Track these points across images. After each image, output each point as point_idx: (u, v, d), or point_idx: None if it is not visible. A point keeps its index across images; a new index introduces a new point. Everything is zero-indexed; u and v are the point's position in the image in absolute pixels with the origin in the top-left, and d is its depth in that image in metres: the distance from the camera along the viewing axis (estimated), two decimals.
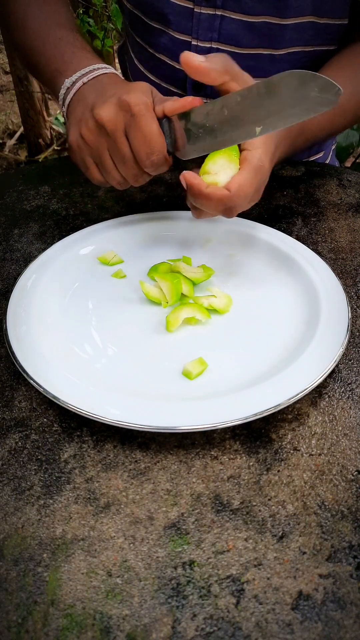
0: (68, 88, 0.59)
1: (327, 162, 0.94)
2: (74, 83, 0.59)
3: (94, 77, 0.58)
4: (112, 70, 0.60)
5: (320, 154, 0.91)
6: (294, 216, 0.69)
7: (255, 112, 0.48)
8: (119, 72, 0.62)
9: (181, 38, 0.72)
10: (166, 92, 0.80)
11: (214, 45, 0.71)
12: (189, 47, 0.73)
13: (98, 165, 0.56)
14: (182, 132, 0.53)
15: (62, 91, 0.60)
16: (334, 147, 0.96)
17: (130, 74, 0.86)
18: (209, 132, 0.51)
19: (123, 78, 0.60)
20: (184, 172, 0.51)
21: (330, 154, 0.95)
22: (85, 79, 0.58)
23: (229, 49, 0.71)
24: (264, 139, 0.53)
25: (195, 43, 0.72)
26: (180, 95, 0.78)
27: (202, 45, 0.72)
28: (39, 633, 0.34)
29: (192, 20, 0.70)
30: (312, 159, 0.90)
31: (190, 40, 0.72)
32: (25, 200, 0.73)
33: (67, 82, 0.59)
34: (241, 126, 0.49)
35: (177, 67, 0.76)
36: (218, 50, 0.71)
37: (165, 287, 0.54)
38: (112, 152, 0.54)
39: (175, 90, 0.79)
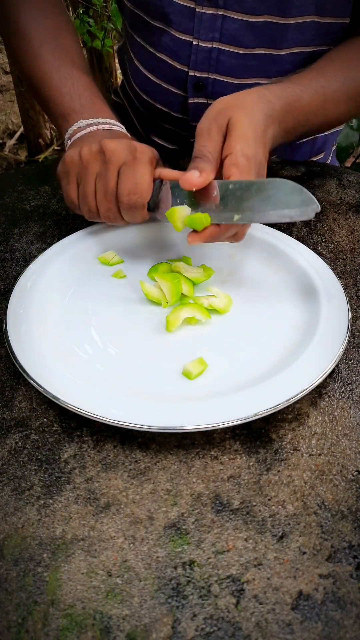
0: (81, 127, 0.61)
1: (328, 162, 0.94)
2: (88, 125, 0.61)
3: (109, 130, 0.61)
4: (125, 130, 0.63)
5: (321, 155, 0.91)
6: None
7: (240, 204, 0.50)
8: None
9: (182, 38, 0.72)
10: (167, 93, 0.80)
11: (215, 45, 0.71)
12: (190, 46, 0.73)
13: (79, 186, 0.57)
14: (169, 196, 0.55)
15: (73, 127, 0.61)
16: (334, 147, 0.96)
17: (131, 74, 0.86)
18: (192, 205, 0.53)
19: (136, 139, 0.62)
20: (191, 235, 0.51)
21: (331, 154, 0.95)
22: (101, 127, 0.61)
23: (230, 49, 0.71)
24: (240, 133, 0.52)
25: (197, 43, 0.72)
26: (182, 96, 0.78)
27: (203, 45, 0.72)
28: (39, 633, 0.34)
29: (193, 20, 0.70)
30: (312, 159, 0.90)
31: (191, 40, 0.72)
32: (25, 200, 0.73)
33: (83, 122, 0.61)
34: (224, 211, 0.51)
35: (178, 67, 0.76)
36: (219, 50, 0.71)
37: (165, 287, 0.54)
38: (98, 178, 0.55)
39: (175, 91, 0.79)
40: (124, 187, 0.53)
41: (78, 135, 0.61)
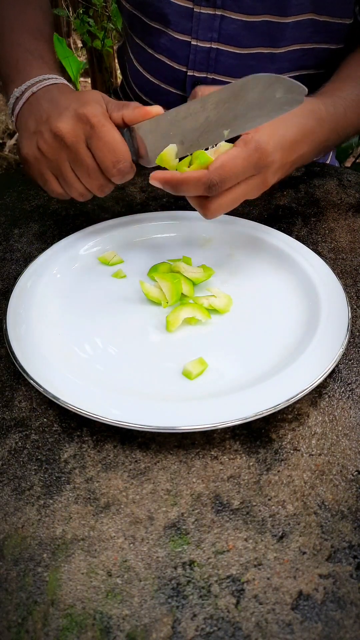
0: (17, 98, 0.58)
1: (328, 162, 0.94)
2: (22, 93, 0.57)
3: (43, 87, 0.57)
4: (62, 80, 0.59)
5: (320, 155, 0.91)
6: (294, 216, 0.69)
7: (222, 115, 0.48)
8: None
9: (181, 38, 0.72)
10: (166, 93, 0.80)
11: (214, 46, 0.71)
12: (188, 47, 0.73)
13: (58, 177, 0.55)
14: (143, 141, 0.52)
15: (12, 100, 0.58)
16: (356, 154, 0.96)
17: (130, 75, 0.86)
18: (174, 139, 0.51)
19: (72, 88, 0.58)
20: (153, 173, 0.50)
21: (331, 154, 0.95)
22: (34, 89, 0.57)
23: (228, 49, 0.71)
24: (273, 125, 0.51)
25: (195, 43, 0.72)
26: (181, 96, 0.79)
27: (201, 45, 0.72)
28: (39, 633, 0.34)
29: (192, 21, 0.70)
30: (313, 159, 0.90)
31: (190, 40, 0.72)
32: (25, 200, 0.73)
33: (16, 91, 0.58)
34: (208, 131, 0.49)
35: (177, 67, 0.76)
36: (218, 50, 0.71)
37: (165, 287, 0.54)
38: (73, 164, 0.53)
39: (174, 91, 0.79)
40: (105, 161, 0.52)
41: (17, 108, 0.57)
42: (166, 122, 0.51)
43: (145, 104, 0.83)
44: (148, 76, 0.81)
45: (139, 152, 0.53)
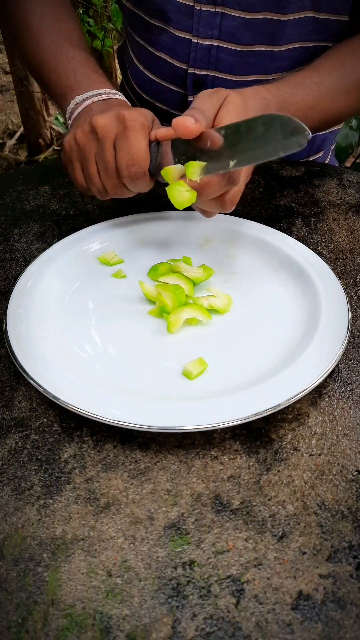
0: (77, 104, 0.61)
1: (327, 162, 0.94)
2: (84, 100, 0.60)
3: (104, 99, 0.60)
4: (122, 97, 0.62)
5: (320, 154, 0.91)
6: (294, 216, 0.69)
7: (232, 148, 0.50)
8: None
9: (181, 36, 0.73)
10: (167, 91, 0.80)
11: (214, 43, 0.71)
12: (189, 44, 0.73)
13: (83, 169, 0.57)
14: (170, 157, 0.54)
15: (71, 105, 0.61)
16: (333, 147, 0.96)
17: (130, 74, 0.86)
18: (191, 159, 0.52)
19: (130, 104, 0.61)
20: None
21: (330, 153, 0.95)
22: (95, 99, 0.60)
23: (229, 46, 0.71)
24: (231, 109, 0.52)
25: (196, 40, 0.72)
26: (182, 94, 0.79)
27: (202, 42, 0.72)
28: (39, 633, 0.34)
29: (192, 18, 0.70)
30: (311, 158, 0.90)
31: (190, 37, 0.72)
32: (25, 200, 0.73)
33: (78, 98, 0.61)
34: (218, 159, 0.50)
35: (178, 65, 0.76)
36: (218, 47, 0.71)
37: (167, 297, 0.53)
38: (97, 157, 0.55)
39: (175, 89, 0.79)
40: (121, 160, 0.53)
41: (76, 112, 0.61)
42: (187, 142, 0.53)
43: (146, 102, 0.84)
44: (149, 74, 0.81)
45: (161, 167, 0.55)
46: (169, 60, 0.76)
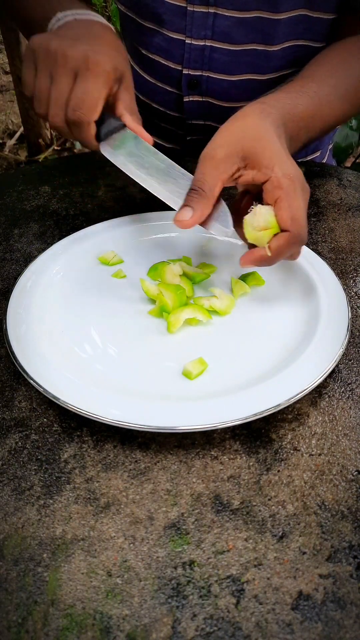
0: (59, 19, 0.58)
1: (324, 161, 0.94)
2: (66, 16, 0.58)
3: (88, 20, 0.58)
4: (108, 24, 0.59)
5: (317, 154, 0.91)
6: None
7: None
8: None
9: (175, 37, 0.73)
10: (163, 92, 0.80)
11: (208, 43, 0.71)
12: (183, 45, 0.73)
13: (37, 74, 0.54)
14: (127, 135, 0.54)
15: (53, 21, 0.58)
16: (330, 146, 0.96)
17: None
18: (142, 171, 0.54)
19: (113, 31, 0.59)
20: (242, 258, 0.51)
21: (327, 153, 0.95)
22: (78, 17, 0.57)
23: (222, 46, 0.71)
24: (270, 155, 0.50)
25: (189, 41, 0.72)
26: (177, 95, 0.78)
27: (195, 43, 0.72)
28: (39, 633, 0.34)
29: (185, 19, 0.70)
30: (308, 158, 0.90)
31: (184, 38, 0.72)
32: (25, 200, 0.73)
33: (60, 15, 0.58)
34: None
35: (172, 66, 0.76)
36: (212, 48, 0.71)
37: (168, 297, 0.53)
38: (54, 80, 0.52)
39: (171, 90, 0.79)
40: (72, 100, 0.51)
41: (56, 25, 0.58)
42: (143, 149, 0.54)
43: (143, 103, 0.84)
44: (145, 76, 0.81)
45: (110, 138, 0.54)
46: (163, 62, 0.76)
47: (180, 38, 0.72)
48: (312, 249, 0.60)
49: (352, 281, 0.59)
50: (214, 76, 0.75)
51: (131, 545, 0.38)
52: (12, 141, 2.46)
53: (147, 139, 0.55)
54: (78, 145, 2.27)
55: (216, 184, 0.50)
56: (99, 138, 0.54)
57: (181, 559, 0.37)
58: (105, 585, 0.36)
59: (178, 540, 0.38)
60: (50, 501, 0.40)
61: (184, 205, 0.50)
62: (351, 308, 0.55)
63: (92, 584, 0.36)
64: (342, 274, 0.60)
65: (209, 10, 0.69)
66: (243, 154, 0.50)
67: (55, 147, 2.42)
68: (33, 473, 0.42)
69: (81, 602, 0.35)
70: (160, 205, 0.71)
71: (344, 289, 0.54)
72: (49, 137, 2.40)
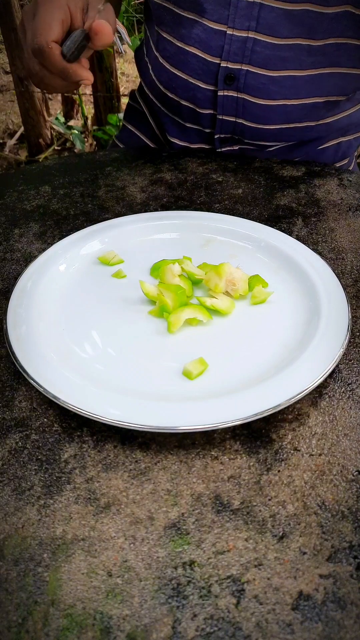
0: None
1: (351, 168, 0.94)
2: None
3: None
4: None
5: (345, 161, 0.91)
6: (294, 216, 0.69)
7: None
8: None
9: (216, 27, 0.71)
10: (194, 88, 0.78)
11: (251, 35, 0.70)
12: (223, 37, 0.71)
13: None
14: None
15: None
16: (356, 154, 0.96)
17: (154, 74, 0.84)
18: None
19: None
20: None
21: (353, 161, 0.95)
22: None
23: (265, 39, 0.70)
24: None
25: (231, 32, 0.70)
26: (212, 91, 0.76)
27: (237, 34, 0.70)
28: (39, 633, 0.33)
29: (229, 9, 0.69)
30: (338, 165, 0.89)
31: (225, 29, 0.70)
32: (25, 200, 0.73)
33: None
34: None
35: (209, 59, 0.74)
36: (254, 40, 0.70)
37: (169, 297, 0.53)
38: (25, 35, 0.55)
39: (204, 86, 0.77)
40: (29, 36, 0.54)
41: None
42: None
43: (171, 101, 0.81)
44: (175, 71, 0.78)
45: (78, 54, 0.55)
46: (200, 54, 0.74)
47: (222, 29, 0.71)
48: (312, 249, 0.60)
49: (352, 281, 0.59)
50: (253, 70, 0.73)
51: (131, 545, 0.38)
52: (13, 141, 2.46)
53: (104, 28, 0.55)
54: (78, 146, 2.27)
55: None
56: (65, 57, 0.54)
57: (181, 559, 0.37)
58: (106, 585, 0.36)
59: (178, 541, 0.38)
60: (51, 501, 0.40)
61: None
62: (351, 308, 0.55)
63: (92, 584, 0.36)
64: (342, 274, 0.60)
65: (255, 0, 0.67)
66: None
67: (56, 147, 2.42)
68: (33, 473, 0.42)
69: (81, 602, 0.35)
70: (160, 205, 0.71)
71: (344, 289, 0.54)
72: (49, 137, 2.40)
